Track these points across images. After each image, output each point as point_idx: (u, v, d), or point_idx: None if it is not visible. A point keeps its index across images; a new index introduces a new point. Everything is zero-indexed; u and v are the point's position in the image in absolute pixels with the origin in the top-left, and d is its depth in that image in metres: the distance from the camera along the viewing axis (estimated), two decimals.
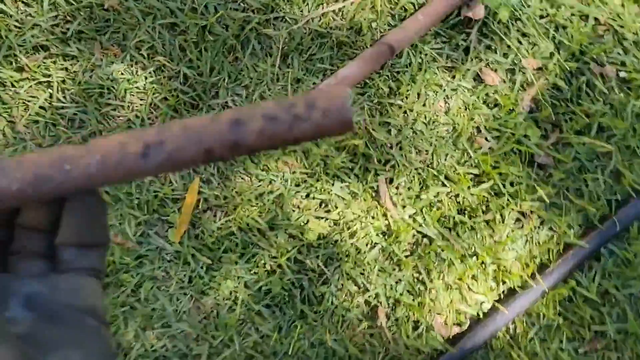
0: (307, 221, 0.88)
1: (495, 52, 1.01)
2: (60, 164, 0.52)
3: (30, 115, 0.87)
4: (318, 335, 0.85)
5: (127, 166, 0.53)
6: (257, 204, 0.88)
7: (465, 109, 0.97)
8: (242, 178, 0.90)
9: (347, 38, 0.94)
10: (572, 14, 1.03)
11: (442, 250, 0.91)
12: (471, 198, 0.93)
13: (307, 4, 0.96)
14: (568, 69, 1.00)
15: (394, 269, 0.91)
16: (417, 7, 0.99)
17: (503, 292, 0.94)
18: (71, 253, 0.54)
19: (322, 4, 0.96)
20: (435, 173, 0.93)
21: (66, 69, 0.92)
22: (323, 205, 0.91)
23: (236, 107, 0.54)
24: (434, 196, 0.93)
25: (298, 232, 0.88)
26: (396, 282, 0.90)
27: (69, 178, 0.53)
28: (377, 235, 0.91)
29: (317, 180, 0.91)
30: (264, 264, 0.87)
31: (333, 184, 0.91)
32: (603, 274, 0.95)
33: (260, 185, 0.90)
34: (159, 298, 0.86)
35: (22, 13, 0.92)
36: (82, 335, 0.48)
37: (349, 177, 0.91)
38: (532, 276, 0.93)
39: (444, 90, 0.97)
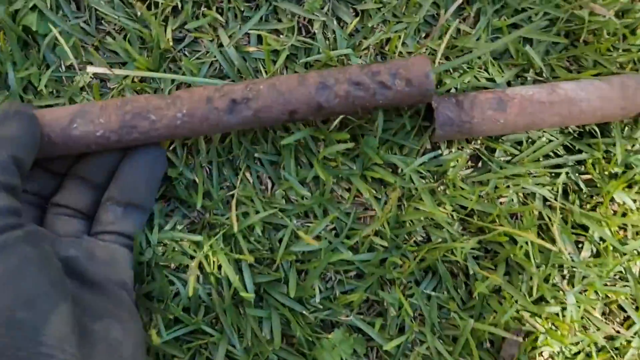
0: None
1: None
2: (146, 113, 0.57)
3: None
4: None
5: (213, 120, 0.58)
6: None
7: None
8: None
9: None
10: None
11: None
12: None
13: None
14: None
15: None
16: None
17: None
18: (115, 213, 0.56)
19: None
20: None
21: None
22: None
23: (323, 70, 0.57)
24: None
25: None
26: None
27: (154, 128, 0.58)
28: None
29: None
30: None
31: None
32: None
33: None
34: None
35: None
36: (120, 309, 0.50)
37: None
38: None
39: None
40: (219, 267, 0.60)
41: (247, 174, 0.61)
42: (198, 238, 0.59)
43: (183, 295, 0.59)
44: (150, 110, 0.54)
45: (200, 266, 0.60)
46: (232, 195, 0.61)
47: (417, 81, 0.54)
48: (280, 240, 0.60)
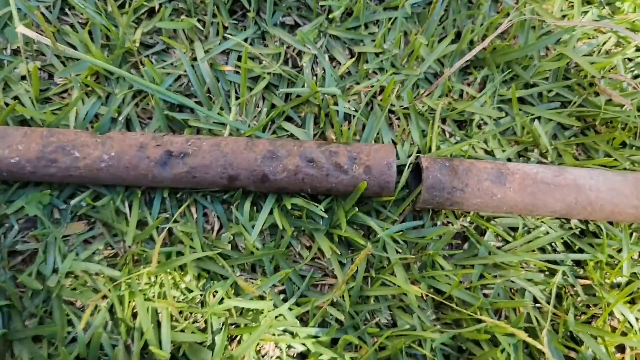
0: None
1: None
2: (70, 149, 0.48)
3: None
4: None
5: (142, 170, 0.44)
6: None
7: None
8: None
9: None
10: None
11: None
12: None
13: None
14: None
15: None
16: None
17: None
18: None
19: None
20: None
21: None
22: None
23: (276, 139, 0.49)
24: None
25: None
26: None
27: (74, 167, 0.48)
28: None
29: None
30: None
31: None
32: None
33: None
34: None
35: None
36: None
37: None
38: None
39: None
40: (135, 314, 0.48)
41: (193, 209, 0.51)
42: (115, 273, 0.48)
43: (80, 341, 0.46)
44: (76, 146, 0.47)
45: (112, 310, 0.49)
46: (168, 229, 0.50)
47: (377, 170, 0.48)
48: (215, 293, 0.49)
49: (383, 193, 0.50)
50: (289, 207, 0.50)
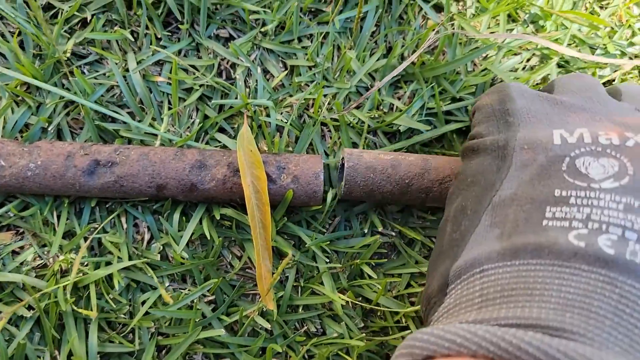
0: None
1: None
2: None
3: None
4: None
5: (69, 179, 0.45)
6: None
7: None
8: None
9: None
10: None
11: None
12: None
13: None
14: None
15: None
16: None
17: None
18: None
19: None
20: None
21: None
22: None
23: (205, 149, 0.50)
24: None
25: None
26: None
27: (0, 175, 0.50)
28: None
29: None
30: None
31: None
32: None
33: None
34: None
35: None
36: None
37: None
38: None
39: None
40: (62, 326, 0.48)
41: (123, 218, 0.51)
42: (41, 284, 0.48)
43: (2, 352, 0.46)
44: (2, 155, 0.47)
45: (39, 321, 0.48)
46: (96, 239, 0.50)
47: (305, 180, 0.49)
48: (143, 303, 0.49)
49: (311, 202, 0.51)
50: (218, 217, 0.50)
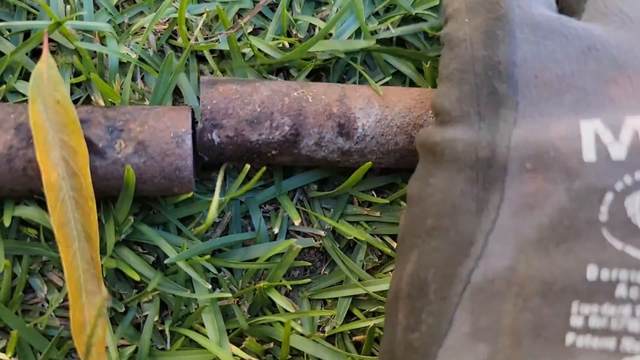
0: None
1: None
2: None
3: None
4: None
5: None
6: None
7: None
8: None
9: None
10: None
11: None
12: None
13: None
14: None
15: None
16: None
17: None
18: None
19: None
20: None
21: None
22: None
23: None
24: None
25: None
26: None
27: None
28: None
29: None
30: None
31: None
32: None
33: None
34: None
35: None
36: None
37: None
38: None
39: None
40: None
41: None
42: None
43: None
44: None
45: None
46: None
47: (157, 148, 0.28)
48: None
49: (175, 188, 0.29)
50: (8, 223, 0.28)
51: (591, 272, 0.18)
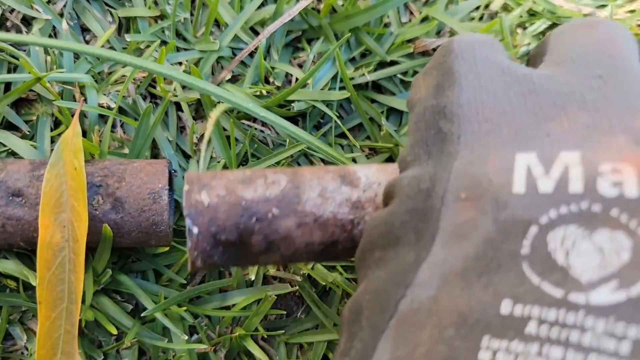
0: None
1: None
2: None
3: None
4: None
5: None
6: None
7: None
8: None
9: None
10: None
11: None
12: None
13: None
14: None
15: None
16: None
17: None
18: None
19: None
20: None
21: None
22: None
23: None
24: None
25: None
26: None
27: None
28: None
29: None
30: None
31: None
32: None
33: None
34: None
35: None
36: None
37: None
38: None
39: None
40: None
41: None
42: None
43: None
44: None
45: None
46: None
47: (135, 204, 0.29)
48: None
49: (152, 241, 0.30)
50: None
51: (505, 307, 0.18)
